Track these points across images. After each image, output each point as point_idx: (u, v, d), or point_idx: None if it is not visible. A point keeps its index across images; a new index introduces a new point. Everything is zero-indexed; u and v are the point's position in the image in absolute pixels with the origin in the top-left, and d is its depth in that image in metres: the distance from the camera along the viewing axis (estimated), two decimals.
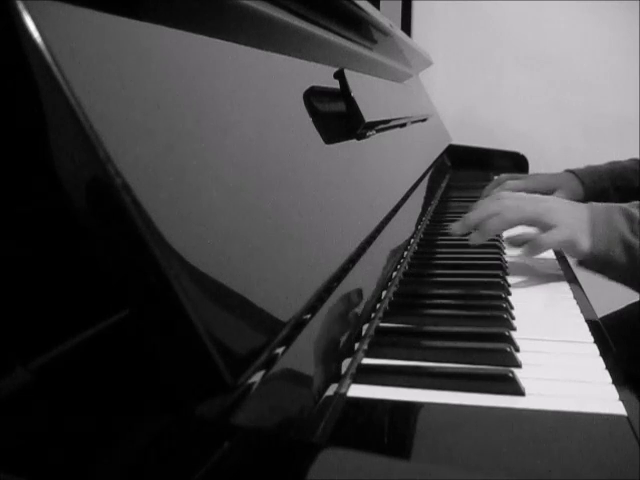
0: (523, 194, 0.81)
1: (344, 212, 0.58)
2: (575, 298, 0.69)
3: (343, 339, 0.48)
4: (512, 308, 0.64)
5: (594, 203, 0.76)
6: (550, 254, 0.85)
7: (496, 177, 1.23)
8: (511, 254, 0.86)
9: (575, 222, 0.73)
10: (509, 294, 0.69)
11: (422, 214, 1.03)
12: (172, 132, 0.34)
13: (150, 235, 0.28)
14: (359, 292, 0.57)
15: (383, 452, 0.39)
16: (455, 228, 0.78)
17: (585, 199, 1.14)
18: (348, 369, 0.47)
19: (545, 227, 0.74)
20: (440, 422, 0.43)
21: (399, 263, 0.76)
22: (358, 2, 0.72)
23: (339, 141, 0.64)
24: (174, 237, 0.30)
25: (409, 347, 0.54)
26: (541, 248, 0.72)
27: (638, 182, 1.14)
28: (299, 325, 0.41)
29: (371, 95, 0.76)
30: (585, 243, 0.72)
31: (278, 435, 0.34)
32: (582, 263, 0.75)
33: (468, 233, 0.78)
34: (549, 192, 1.15)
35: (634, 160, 1.19)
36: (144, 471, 0.26)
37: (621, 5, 1.89)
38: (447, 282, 0.73)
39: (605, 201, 1.15)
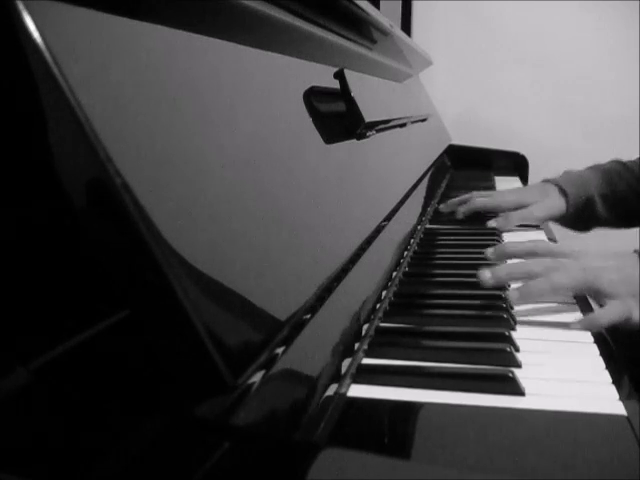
0: (553, 245, 0.75)
1: (344, 212, 0.58)
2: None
3: (343, 339, 0.48)
4: (512, 308, 0.64)
5: None
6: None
7: (467, 195, 1.08)
8: None
9: (627, 289, 0.66)
10: None
11: (422, 214, 1.03)
12: (172, 132, 0.34)
13: (150, 235, 0.28)
14: (359, 292, 0.56)
15: (383, 452, 0.39)
16: (484, 279, 0.67)
17: (568, 212, 1.03)
18: (348, 369, 0.47)
19: (596, 295, 0.67)
20: (440, 422, 0.43)
21: (399, 263, 0.76)
22: (358, 2, 0.72)
23: (339, 141, 0.64)
24: (174, 237, 0.30)
25: (409, 347, 0.54)
26: (597, 327, 0.64)
27: (623, 186, 1.04)
28: (299, 325, 0.41)
29: (371, 95, 0.76)
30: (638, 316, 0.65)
31: (278, 435, 0.34)
32: None
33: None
34: (520, 208, 1.00)
35: (615, 161, 1.09)
36: (144, 471, 0.26)
37: (621, 5, 1.90)
38: (447, 282, 0.73)
39: (592, 212, 1.03)
